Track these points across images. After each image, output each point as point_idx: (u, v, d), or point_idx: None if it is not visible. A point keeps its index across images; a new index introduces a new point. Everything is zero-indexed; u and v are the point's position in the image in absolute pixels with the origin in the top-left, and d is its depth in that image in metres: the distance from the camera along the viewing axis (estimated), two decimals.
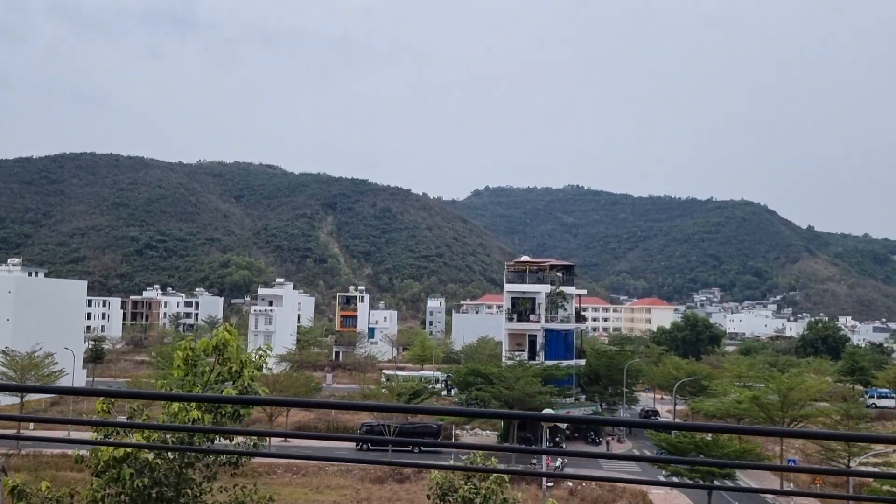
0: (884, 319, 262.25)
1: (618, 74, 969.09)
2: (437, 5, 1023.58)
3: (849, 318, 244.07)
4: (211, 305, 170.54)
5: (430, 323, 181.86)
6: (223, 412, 17.42)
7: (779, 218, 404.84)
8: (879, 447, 48.19)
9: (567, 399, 60.45)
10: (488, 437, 63.17)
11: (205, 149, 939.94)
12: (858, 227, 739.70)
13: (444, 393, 79.51)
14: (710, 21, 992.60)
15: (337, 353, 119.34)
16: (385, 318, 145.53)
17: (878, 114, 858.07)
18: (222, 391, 17.67)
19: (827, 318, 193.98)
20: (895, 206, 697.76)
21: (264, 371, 20.82)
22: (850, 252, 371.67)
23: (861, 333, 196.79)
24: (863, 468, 46.07)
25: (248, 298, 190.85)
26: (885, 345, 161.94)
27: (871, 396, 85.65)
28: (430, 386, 68.71)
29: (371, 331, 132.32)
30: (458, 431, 61.72)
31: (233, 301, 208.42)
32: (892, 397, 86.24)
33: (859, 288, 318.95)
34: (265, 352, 19.34)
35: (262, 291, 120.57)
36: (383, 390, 62.21)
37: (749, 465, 5.08)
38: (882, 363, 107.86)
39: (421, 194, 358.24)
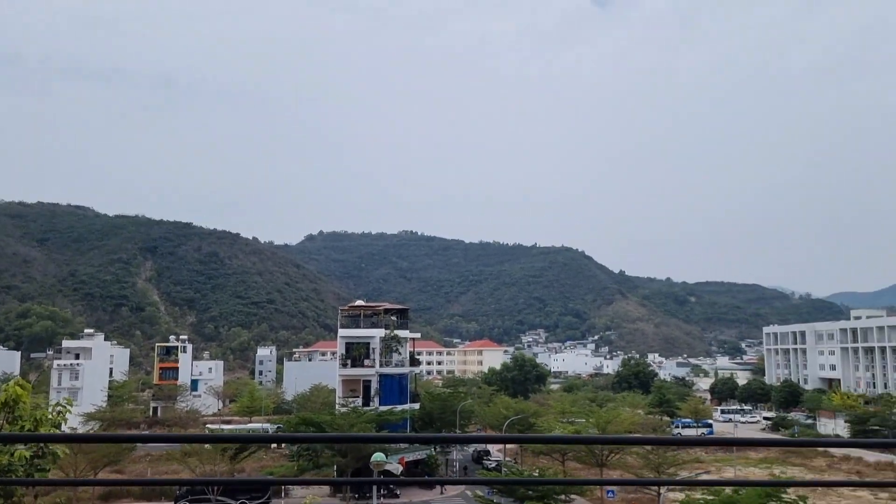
0: (685, 355, 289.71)
1: (448, 122, 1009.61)
2: (263, 48, 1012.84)
3: (656, 354, 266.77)
4: (6, 361, 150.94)
5: (261, 372, 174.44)
6: (14, 473, 15.23)
7: (595, 263, 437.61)
8: (684, 473, 52.40)
9: (402, 444, 59.94)
10: (321, 488, 60.82)
11: (2, 188, 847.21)
12: (662, 271, 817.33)
13: (274, 445, 75.94)
14: (529, 77, 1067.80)
15: (155, 408, 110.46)
16: (210, 368, 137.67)
17: (681, 169, 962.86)
18: (13, 453, 15.46)
19: (638, 356, 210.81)
20: (690, 253, 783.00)
21: (66, 430, 18.57)
22: (655, 294, 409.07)
23: (667, 368, 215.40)
24: (671, 494, 49.81)
25: (50, 352, 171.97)
26: (687, 378, 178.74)
27: (677, 426, 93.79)
28: None
29: (194, 383, 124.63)
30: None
31: (32, 355, 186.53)
32: (694, 426, 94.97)
33: (664, 327, 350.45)
34: (65, 408, 17.30)
35: (67, 344, 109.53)
36: (206, 446, 58.10)
37: (579, 482, 5.06)
38: (685, 395, 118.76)
39: (251, 238, 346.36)
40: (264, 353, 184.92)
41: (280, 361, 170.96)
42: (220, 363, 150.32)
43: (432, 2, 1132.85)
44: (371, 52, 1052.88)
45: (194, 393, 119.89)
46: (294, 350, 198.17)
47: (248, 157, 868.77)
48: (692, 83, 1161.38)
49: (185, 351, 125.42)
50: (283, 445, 74.53)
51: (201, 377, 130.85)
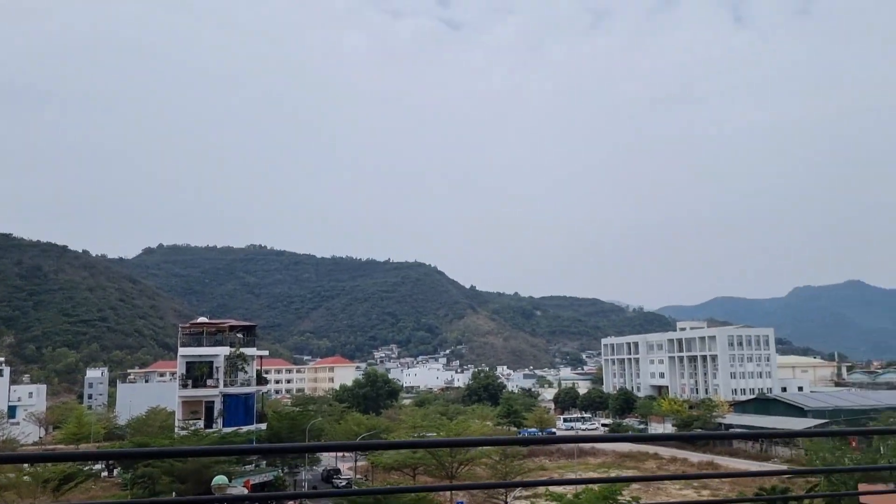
0: (531, 367, 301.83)
1: (301, 134, 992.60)
2: (102, 47, 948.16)
3: (505, 367, 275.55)
4: None
5: (90, 396, 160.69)
6: None
7: (447, 278, 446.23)
8: (530, 479, 54.21)
9: (247, 466, 57.37)
10: None
11: None
12: (510, 286, 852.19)
13: (105, 474, 70.15)
14: (379, 93, 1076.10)
15: None
16: (31, 393, 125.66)
17: (542, 193, 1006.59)
18: None
19: (487, 368, 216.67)
20: (535, 270, 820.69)
21: None
22: (504, 308, 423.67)
23: (514, 380, 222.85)
24: (517, 503, 51.47)
25: None
26: (533, 389, 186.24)
27: (524, 436, 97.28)
28: (87, 467, 59.82)
29: (12, 409, 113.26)
30: None
31: None
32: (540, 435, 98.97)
33: (512, 340, 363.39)
34: None
35: None
36: (25, 477, 52.38)
37: (426, 489, 4.83)
38: (531, 406, 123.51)
39: (80, 251, 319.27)
40: (94, 374, 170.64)
41: (113, 384, 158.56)
42: (43, 387, 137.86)
43: (286, 13, 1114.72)
44: (223, 60, 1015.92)
45: (12, 420, 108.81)
46: (129, 371, 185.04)
47: (77, 165, 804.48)
48: (540, 106, 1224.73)
49: (1, 375, 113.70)
50: (114, 473, 69.05)
51: (20, 403, 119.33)
